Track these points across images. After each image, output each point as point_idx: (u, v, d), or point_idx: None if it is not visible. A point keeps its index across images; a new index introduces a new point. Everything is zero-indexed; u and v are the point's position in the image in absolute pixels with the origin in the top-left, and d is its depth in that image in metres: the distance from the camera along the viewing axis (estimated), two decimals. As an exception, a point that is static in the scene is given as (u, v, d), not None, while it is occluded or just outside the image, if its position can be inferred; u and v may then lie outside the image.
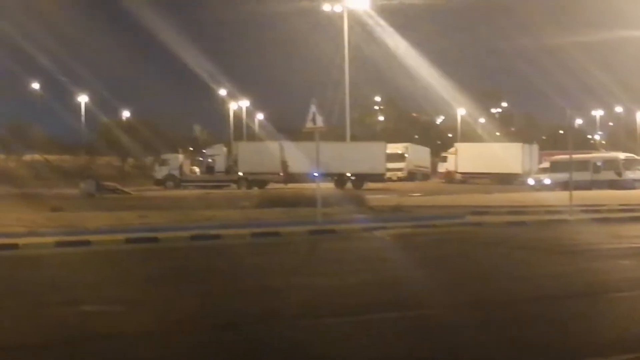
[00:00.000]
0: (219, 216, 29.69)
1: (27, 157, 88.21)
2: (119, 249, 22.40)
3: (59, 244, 22.47)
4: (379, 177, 63.77)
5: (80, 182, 55.84)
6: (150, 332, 11.61)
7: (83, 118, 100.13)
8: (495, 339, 10.91)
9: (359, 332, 11.51)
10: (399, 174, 74.56)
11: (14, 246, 21.92)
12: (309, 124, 27.51)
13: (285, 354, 10.40)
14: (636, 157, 60.57)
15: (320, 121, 27.39)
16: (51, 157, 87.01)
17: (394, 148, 73.75)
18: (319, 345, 10.80)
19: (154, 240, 23.49)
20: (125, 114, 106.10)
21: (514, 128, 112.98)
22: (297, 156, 55.95)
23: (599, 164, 57.48)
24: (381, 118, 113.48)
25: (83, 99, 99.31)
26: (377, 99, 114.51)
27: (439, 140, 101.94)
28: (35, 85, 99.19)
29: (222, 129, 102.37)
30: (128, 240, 23.29)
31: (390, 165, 69.04)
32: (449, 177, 74.80)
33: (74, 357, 10.40)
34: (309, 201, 30.90)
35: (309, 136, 30.51)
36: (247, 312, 12.97)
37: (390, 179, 67.88)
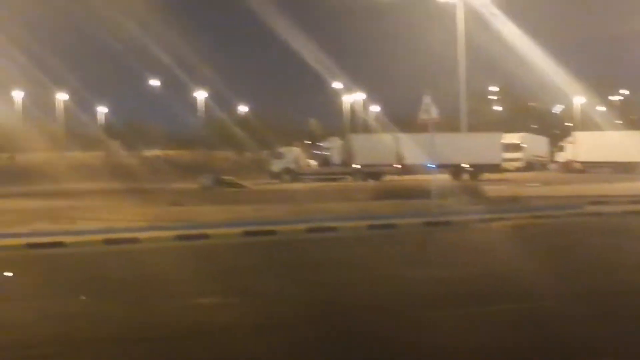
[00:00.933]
0: (334, 208, 29.90)
1: (147, 153, 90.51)
2: (237, 242, 22.79)
3: (178, 238, 23.02)
4: (495, 168, 63.09)
5: (199, 176, 56.97)
6: (264, 324, 11.84)
7: (201, 113, 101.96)
8: (612, 331, 10.74)
9: (471, 323, 11.49)
10: (516, 164, 73.39)
11: (136, 240, 22.57)
12: (423, 115, 27.48)
13: (395, 345, 10.47)
14: None
15: (434, 112, 27.30)
16: (170, 153, 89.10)
17: (510, 138, 72.75)
18: (428, 337, 10.83)
19: (271, 233, 23.83)
20: (242, 108, 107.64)
21: (634, 116, 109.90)
22: (412, 148, 55.72)
23: None
24: (497, 108, 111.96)
25: (201, 94, 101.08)
26: (493, 88, 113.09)
27: (556, 130, 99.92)
28: (154, 82, 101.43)
29: (338, 122, 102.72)
30: (245, 233, 23.69)
31: (507, 155, 68.16)
32: (567, 166, 73.27)
33: (190, 348, 10.70)
34: (424, 193, 30.84)
35: (424, 127, 30.43)
36: (360, 303, 13.10)
37: (507, 170, 66.96)
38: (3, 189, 50.72)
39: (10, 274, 16.99)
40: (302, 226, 24.75)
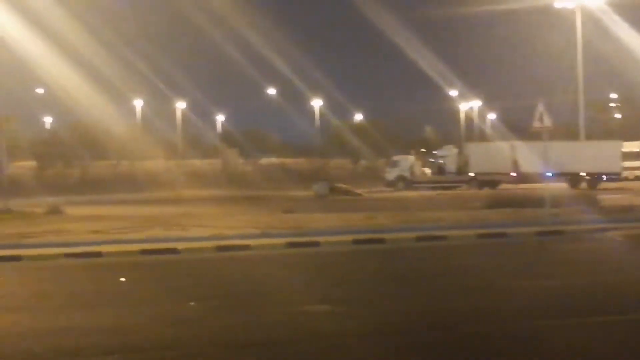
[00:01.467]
0: (446, 217, 29.70)
1: (263, 160, 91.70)
2: (346, 250, 22.85)
3: (289, 245, 23.23)
4: (614, 177, 61.45)
5: (313, 184, 57.34)
6: (369, 332, 11.84)
7: (317, 121, 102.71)
8: None
9: (580, 334, 11.25)
10: (637, 172, 71.39)
11: (247, 247, 22.87)
12: (536, 123, 27.02)
13: (502, 355, 10.34)
14: None
15: (547, 120, 26.83)
16: (286, 161, 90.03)
17: (631, 146, 70.78)
18: (536, 347, 10.66)
19: (381, 241, 23.81)
20: (358, 116, 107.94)
21: None
22: (528, 156, 54.80)
23: None
24: (617, 116, 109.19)
25: (317, 102, 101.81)
26: (612, 96, 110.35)
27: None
28: (271, 91, 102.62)
29: (453, 129, 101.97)
30: (355, 241, 23.74)
31: (627, 164, 66.32)
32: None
33: (297, 354, 10.77)
34: (538, 202, 30.30)
35: (539, 135, 29.92)
36: (467, 312, 12.97)
37: (627, 178, 65.16)
38: (120, 196, 52.20)
39: (124, 280, 17.43)
40: (412, 234, 24.65)
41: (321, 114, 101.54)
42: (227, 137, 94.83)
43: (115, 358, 10.54)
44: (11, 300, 15.06)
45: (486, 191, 55.82)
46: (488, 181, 62.53)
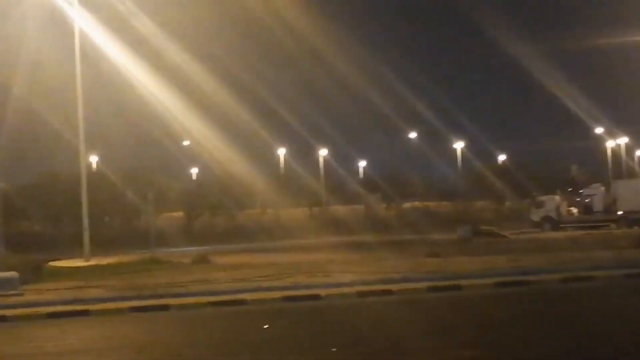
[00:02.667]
0: (593, 257, 28.98)
1: (406, 205, 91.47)
2: (489, 293, 22.57)
3: (431, 289, 23.12)
4: None
5: (457, 227, 56.89)
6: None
7: (459, 164, 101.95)
8: None
9: None
10: None
11: (388, 292, 22.90)
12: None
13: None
14: None
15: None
16: (429, 204, 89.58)
17: None
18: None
19: (525, 283, 23.46)
20: (501, 157, 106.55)
21: None
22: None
23: None
24: None
25: (459, 144, 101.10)
26: None
27: None
28: (412, 134, 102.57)
29: (600, 167, 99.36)
30: (498, 284, 23.43)
31: None
32: None
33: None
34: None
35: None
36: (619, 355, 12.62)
37: None
38: (265, 244, 53.04)
39: (267, 327, 17.68)
40: (557, 276, 24.18)
41: (463, 156, 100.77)
42: (369, 183, 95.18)
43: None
44: (158, 349, 15.46)
45: (636, 230, 54.11)
46: (638, 219, 60.63)
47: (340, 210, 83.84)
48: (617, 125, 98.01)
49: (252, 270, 29.97)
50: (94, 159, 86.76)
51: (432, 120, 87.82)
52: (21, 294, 25.04)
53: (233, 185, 74.26)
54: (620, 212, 62.35)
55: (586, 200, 67.56)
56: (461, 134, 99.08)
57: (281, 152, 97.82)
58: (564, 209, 67.77)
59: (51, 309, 21.92)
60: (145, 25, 46.16)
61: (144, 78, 45.30)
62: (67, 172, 75.28)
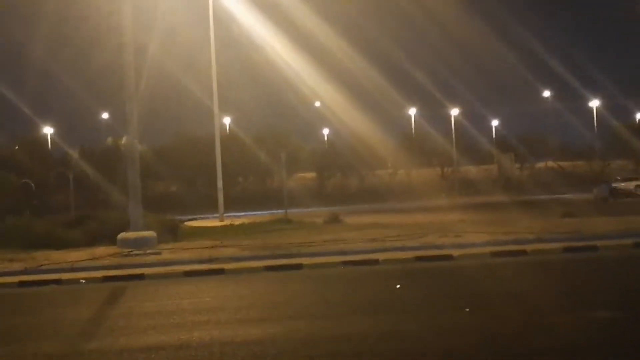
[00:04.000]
0: None
1: (539, 165, 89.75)
2: (627, 254, 21.95)
3: (566, 250, 22.66)
4: None
5: (593, 187, 55.57)
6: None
7: (595, 123, 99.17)
8: None
9: None
10: None
11: (522, 252, 22.56)
12: None
13: None
14: None
15: None
16: (564, 164, 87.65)
17: None
18: None
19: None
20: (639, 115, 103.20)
21: None
22: None
23: None
24: None
25: (594, 103, 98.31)
26: None
27: None
28: (546, 93, 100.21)
29: None
30: (636, 245, 22.78)
31: None
32: None
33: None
34: None
35: None
36: None
37: None
38: (396, 205, 52.94)
39: (400, 287, 17.64)
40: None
41: (600, 115, 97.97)
42: (502, 143, 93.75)
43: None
44: (294, 308, 15.63)
45: None
46: None
47: (472, 170, 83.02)
48: None
49: (384, 231, 29.98)
50: (227, 121, 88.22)
51: (568, 79, 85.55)
52: (159, 253, 25.74)
53: (364, 146, 74.28)
54: None
55: None
56: (597, 91, 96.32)
57: (412, 112, 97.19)
58: None
59: (187, 267, 22.47)
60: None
61: (275, 40, 45.58)
62: (201, 133, 76.87)
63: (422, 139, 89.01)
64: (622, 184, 61.54)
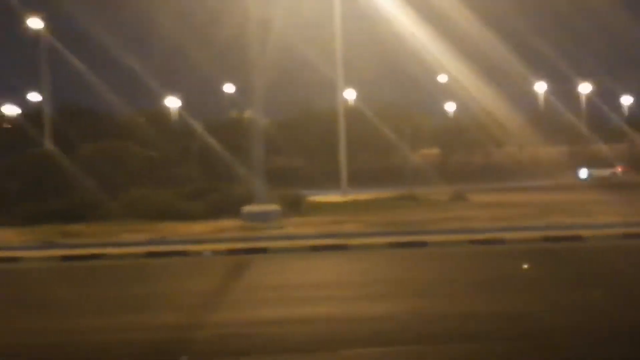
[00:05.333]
0: None
1: None
2: None
3: None
4: None
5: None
6: None
7: None
8: None
9: None
10: None
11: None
12: None
13: None
14: None
15: None
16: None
17: None
18: None
19: None
20: None
21: None
22: None
23: None
24: None
25: None
26: None
27: None
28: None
29: None
30: None
31: None
32: None
33: None
34: None
35: None
36: None
37: None
38: (522, 183, 51.93)
39: (527, 267, 17.18)
40: None
41: None
42: (634, 120, 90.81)
43: (512, 344, 10.34)
44: (418, 285, 15.38)
45: None
46: None
47: (602, 148, 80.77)
48: None
49: (510, 209, 29.39)
50: (350, 95, 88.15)
51: None
52: (282, 227, 25.82)
53: (489, 122, 73.06)
54: None
55: None
56: None
57: (540, 87, 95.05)
58: None
59: (310, 242, 22.40)
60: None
61: (399, 12, 45.06)
62: (324, 107, 77.00)
63: (550, 115, 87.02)
64: None
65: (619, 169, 70.36)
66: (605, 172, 66.46)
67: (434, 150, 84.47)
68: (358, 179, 56.76)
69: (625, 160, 71.47)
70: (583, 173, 61.13)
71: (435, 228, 24.41)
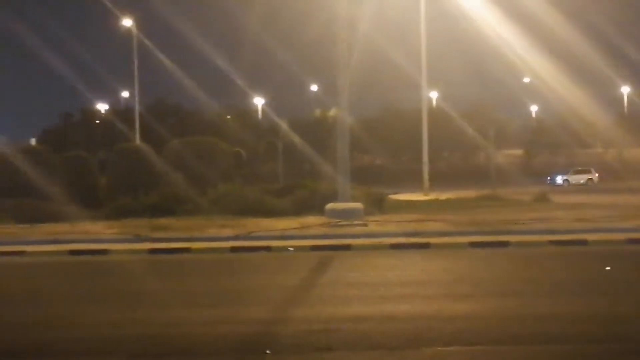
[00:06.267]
0: None
1: None
2: None
3: None
4: None
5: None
6: None
7: None
8: None
9: None
10: None
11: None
12: None
13: None
14: None
15: None
16: None
17: None
18: None
19: None
20: None
21: None
22: None
23: None
24: None
25: None
26: None
27: None
28: None
29: None
30: None
31: None
32: None
33: None
34: None
35: None
36: None
37: None
38: (608, 185, 51.14)
39: (609, 269, 17.12)
40: None
41: None
42: None
43: (600, 347, 10.36)
44: (499, 285, 15.47)
45: None
46: None
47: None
48: None
49: (594, 211, 29.13)
50: (434, 95, 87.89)
51: None
52: (365, 224, 26.05)
53: (574, 124, 72.22)
54: None
55: None
56: None
57: (625, 90, 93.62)
58: None
59: (393, 240, 22.61)
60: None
61: (485, 14, 44.86)
62: (408, 107, 76.93)
63: (636, 117, 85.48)
64: None
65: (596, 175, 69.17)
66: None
67: (517, 151, 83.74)
68: (440, 179, 56.73)
69: None
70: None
71: (518, 228, 24.36)
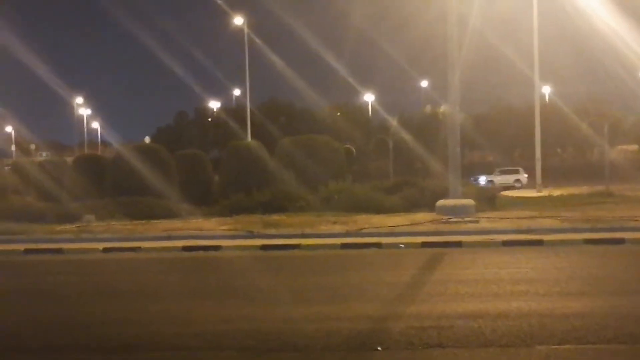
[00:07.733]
0: None
1: None
2: None
3: None
4: None
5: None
6: None
7: None
8: None
9: None
10: None
11: None
12: None
13: None
14: None
15: None
16: None
17: None
18: None
19: None
20: None
21: None
22: None
23: None
24: None
25: None
26: None
27: None
28: None
29: None
30: None
31: None
32: None
33: None
34: None
35: None
36: None
37: None
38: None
39: None
40: None
41: None
42: None
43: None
44: (615, 283, 15.18)
45: None
46: None
47: None
48: None
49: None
50: (546, 90, 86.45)
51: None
52: (476, 221, 25.85)
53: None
54: None
55: None
56: None
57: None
58: None
59: (505, 237, 22.38)
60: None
61: (598, 7, 43.88)
62: (519, 103, 75.86)
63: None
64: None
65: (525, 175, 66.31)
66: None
67: (633, 146, 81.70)
68: (553, 175, 55.86)
69: None
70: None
71: (634, 225, 23.81)
